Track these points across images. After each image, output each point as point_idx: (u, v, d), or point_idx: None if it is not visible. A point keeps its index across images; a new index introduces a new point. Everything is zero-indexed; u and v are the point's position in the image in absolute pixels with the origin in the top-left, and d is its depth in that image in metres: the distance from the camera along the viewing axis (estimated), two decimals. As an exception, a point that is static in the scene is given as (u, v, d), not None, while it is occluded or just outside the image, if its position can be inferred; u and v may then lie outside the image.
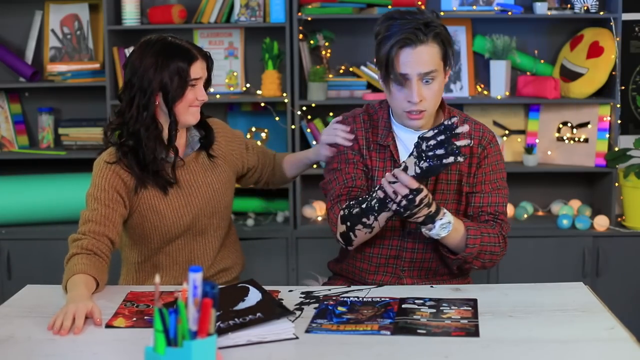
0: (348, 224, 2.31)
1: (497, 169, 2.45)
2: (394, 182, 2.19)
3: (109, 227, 2.34)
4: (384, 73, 2.32)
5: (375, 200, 2.25)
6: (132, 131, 2.39)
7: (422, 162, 2.18)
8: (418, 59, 2.26)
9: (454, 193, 2.41)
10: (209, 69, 2.47)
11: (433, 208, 2.23)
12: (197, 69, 2.40)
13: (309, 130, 3.93)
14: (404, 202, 2.18)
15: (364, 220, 2.28)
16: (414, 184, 2.17)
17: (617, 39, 3.78)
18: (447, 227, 2.25)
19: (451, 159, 2.16)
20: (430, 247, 2.43)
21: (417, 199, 2.18)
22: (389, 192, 2.19)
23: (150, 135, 2.38)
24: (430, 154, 2.17)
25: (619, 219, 3.93)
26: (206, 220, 2.52)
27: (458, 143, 2.16)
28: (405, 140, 2.42)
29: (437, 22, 2.29)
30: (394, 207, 2.20)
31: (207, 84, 2.49)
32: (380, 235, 2.39)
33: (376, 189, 2.26)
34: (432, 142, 2.17)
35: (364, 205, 2.28)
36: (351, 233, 2.32)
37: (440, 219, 2.24)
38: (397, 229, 2.43)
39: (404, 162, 2.23)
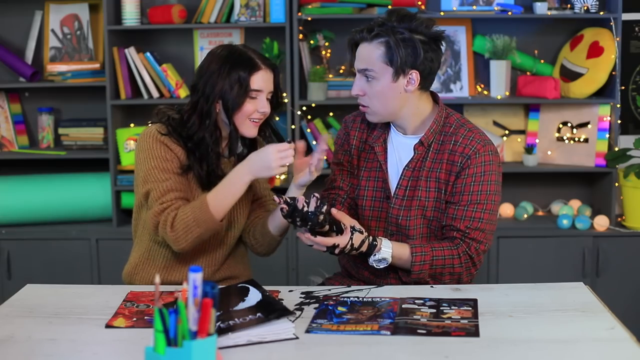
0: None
1: (481, 180, 2.34)
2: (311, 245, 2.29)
3: (188, 193, 2.34)
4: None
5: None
6: (197, 140, 2.38)
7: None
8: (359, 55, 2.36)
9: (433, 201, 2.38)
10: (276, 82, 2.44)
11: (364, 248, 2.29)
12: (259, 80, 2.37)
13: (309, 130, 3.93)
14: (328, 252, 2.30)
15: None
16: (328, 242, 2.26)
17: (617, 39, 3.78)
18: (382, 262, 2.33)
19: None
20: None
21: (336, 251, 2.28)
22: (314, 247, 2.30)
23: (215, 141, 2.40)
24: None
25: (619, 219, 3.93)
26: (225, 225, 2.50)
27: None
28: (397, 144, 2.43)
29: (397, 29, 2.27)
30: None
31: (276, 100, 2.46)
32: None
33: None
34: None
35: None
36: None
37: (374, 255, 2.31)
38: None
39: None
